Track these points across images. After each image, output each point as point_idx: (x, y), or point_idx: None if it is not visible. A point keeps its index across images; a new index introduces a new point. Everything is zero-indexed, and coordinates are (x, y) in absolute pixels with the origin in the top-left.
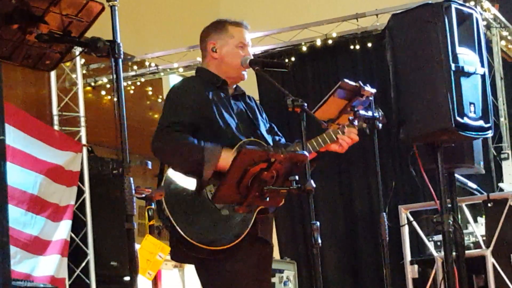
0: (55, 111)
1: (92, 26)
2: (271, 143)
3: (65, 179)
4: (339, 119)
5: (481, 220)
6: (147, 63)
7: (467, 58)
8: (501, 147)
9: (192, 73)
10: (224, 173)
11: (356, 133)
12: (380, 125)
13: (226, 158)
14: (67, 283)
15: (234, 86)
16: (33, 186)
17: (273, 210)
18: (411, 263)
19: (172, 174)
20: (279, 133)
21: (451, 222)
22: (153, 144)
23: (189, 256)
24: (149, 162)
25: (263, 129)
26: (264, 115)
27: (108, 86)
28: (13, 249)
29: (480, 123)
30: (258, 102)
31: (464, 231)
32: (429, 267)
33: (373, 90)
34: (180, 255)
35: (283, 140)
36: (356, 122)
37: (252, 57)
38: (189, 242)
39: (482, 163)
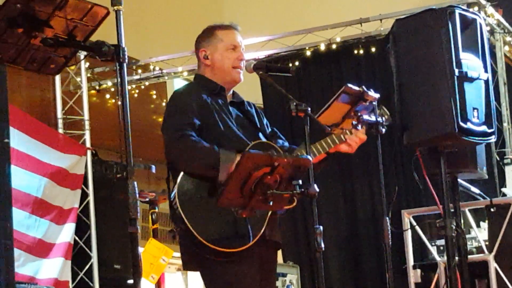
0: (59, 114)
1: (97, 30)
2: None
3: (69, 182)
4: (342, 124)
5: (484, 225)
6: (151, 67)
7: (471, 63)
8: (504, 152)
9: None
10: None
11: (364, 132)
12: (384, 129)
13: None
14: (70, 286)
15: (231, 92)
16: (37, 189)
17: (281, 212)
18: (414, 267)
19: (186, 176)
20: (282, 136)
21: (454, 227)
22: (169, 153)
23: (195, 261)
24: (153, 166)
25: (263, 134)
26: (265, 121)
27: (112, 89)
28: (17, 252)
29: (483, 128)
30: (260, 107)
31: (467, 236)
32: (431, 271)
33: (377, 95)
34: (187, 260)
35: (286, 144)
36: (359, 127)
37: (254, 61)
38: (202, 243)
39: (485, 168)
